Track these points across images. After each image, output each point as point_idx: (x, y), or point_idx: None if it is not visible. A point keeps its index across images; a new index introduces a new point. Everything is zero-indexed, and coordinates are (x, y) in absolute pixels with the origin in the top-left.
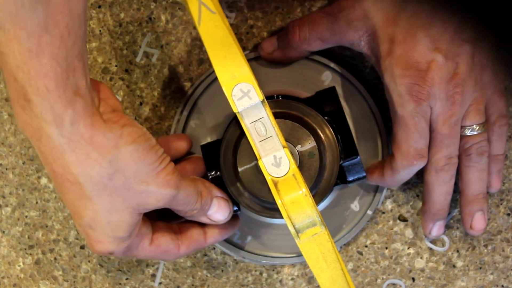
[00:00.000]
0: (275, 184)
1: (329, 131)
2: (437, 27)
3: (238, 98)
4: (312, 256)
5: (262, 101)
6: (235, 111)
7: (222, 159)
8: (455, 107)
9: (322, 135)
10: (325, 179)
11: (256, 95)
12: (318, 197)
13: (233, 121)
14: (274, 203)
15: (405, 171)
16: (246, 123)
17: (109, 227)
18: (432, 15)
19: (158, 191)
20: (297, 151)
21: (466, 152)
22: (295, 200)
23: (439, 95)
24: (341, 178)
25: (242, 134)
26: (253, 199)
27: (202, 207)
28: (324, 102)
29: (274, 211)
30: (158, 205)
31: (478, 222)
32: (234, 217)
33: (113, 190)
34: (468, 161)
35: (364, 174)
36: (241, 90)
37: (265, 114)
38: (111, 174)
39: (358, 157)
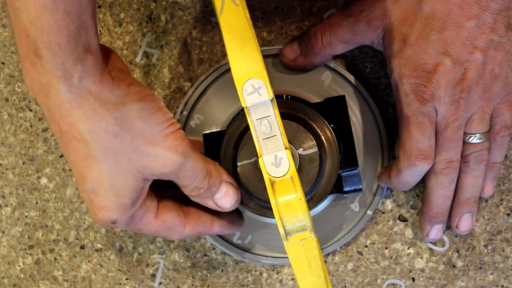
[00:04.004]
0: (272, 184)
1: (332, 139)
2: (450, 30)
3: (248, 93)
4: (297, 260)
5: (272, 100)
6: (243, 105)
7: (223, 150)
8: (459, 112)
9: (325, 142)
10: (321, 186)
11: (267, 93)
12: (312, 203)
13: (239, 115)
14: (268, 202)
15: (408, 172)
16: (252, 119)
17: (113, 191)
18: (447, 18)
19: (165, 154)
20: (298, 154)
21: (465, 158)
22: (289, 203)
23: (444, 98)
24: (338, 187)
25: (246, 129)
26: (247, 195)
27: (209, 188)
28: (332, 109)
29: (267, 209)
30: (164, 172)
31: (464, 223)
32: (240, 214)
33: (118, 149)
34: (465, 167)
35: (361, 186)
36: (253, 85)
37: (273, 112)
38: (117, 132)
39: (358, 169)
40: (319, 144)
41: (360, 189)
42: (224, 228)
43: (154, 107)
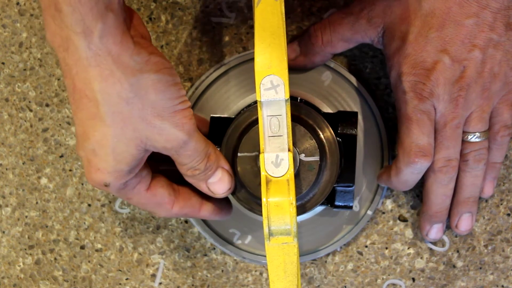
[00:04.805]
0: (267, 182)
1: (336, 152)
2: (449, 28)
3: (265, 88)
4: (275, 262)
5: (286, 100)
6: (257, 99)
7: (227, 137)
8: (458, 110)
9: (328, 153)
10: (314, 195)
11: (284, 92)
12: (300, 209)
13: (251, 106)
14: (258, 198)
15: (407, 170)
16: (263, 114)
17: (113, 155)
18: (446, 16)
19: (171, 130)
20: (299, 159)
21: (464, 157)
22: (279, 204)
23: (442, 96)
24: (329, 199)
25: (254, 122)
26: (240, 187)
27: (205, 170)
28: (342, 123)
29: (255, 205)
30: (165, 146)
31: (464, 223)
32: (229, 203)
33: (127, 116)
34: (464, 166)
35: (352, 204)
36: (272, 82)
37: (284, 113)
38: (130, 98)
39: (353, 187)
40: (322, 153)
41: (351, 207)
42: (211, 213)
43: (171, 81)
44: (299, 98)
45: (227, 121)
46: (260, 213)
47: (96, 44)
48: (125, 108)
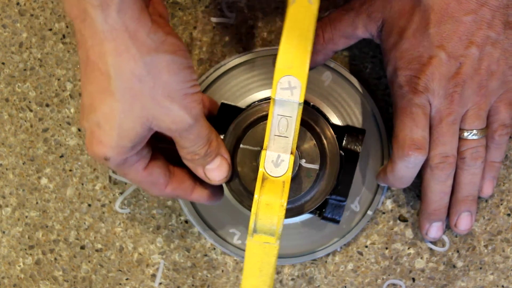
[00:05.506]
0: (263, 180)
1: (336, 165)
2: (447, 24)
3: (282, 87)
4: (252, 259)
5: (300, 104)
6: (272, 96)
7: (233, 126)
8: (453, 106)
9: (328, 164)
10: (306, 202)
11: (299, 96)
12: (289, 213)
13: (264, 100)
14: (250, 193)
15: (402, 163)
16: (274, 112)
17: (118, 130)
18: (444, 12)
19: (179, 112)
20: (299, 163)
21: (461, 155)
22: (270, 204)
23: (437, 91)
24: (319, 209)
25: (263, 117)
26: (235, 178)
27: (205, 156)
28: (348, 137)
29: (246, 198)
30: (170, 128)
31: (463, 222)
32: (221, 189)
33: (138, 93)
34: (462, 163)
35: (339, 219)
36: (289, 82)
37: (295, 115)
38: (143, 76)
39: (345, 202)
40: (322, 163)
41: (338, 222)
42: (202, 198)
43: (185, 64)
44: (311, 103)
45: (237, 110)
46: (249, 207)
47: (113, 18)
48: (136, 85)
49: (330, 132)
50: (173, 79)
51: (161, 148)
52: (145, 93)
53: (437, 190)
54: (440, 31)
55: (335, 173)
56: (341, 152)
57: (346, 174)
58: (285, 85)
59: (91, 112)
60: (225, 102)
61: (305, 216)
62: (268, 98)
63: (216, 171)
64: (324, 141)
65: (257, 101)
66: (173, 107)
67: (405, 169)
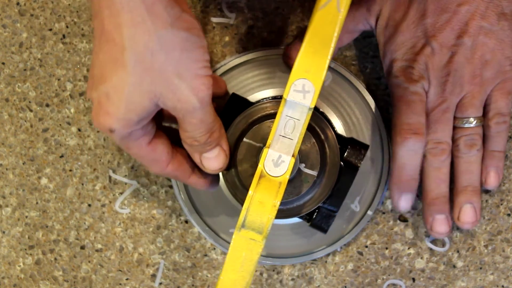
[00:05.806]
0: (260, 177)
1: (334, 175)
2: (441, 15)
3: (296, 89)
4: (235, 253)
5: (310, 109)
6: (284, 96)
7: (239, 119)
8: (445, 94)
9: (326, 173)
10: (298, 206)
11: (310, 100)
12: (280, 214)
13: (274, 100)
14: (244, 188)
15: (401, 150)
16: (283, 112)
17: (125, 102)
18: (438, 3)
19: (186, 91)
20: (299, 167)
21: (455, 142)
22: (263, 202)
23: (431, 80)
24: (309, 215)
25: (270, 115)
26: (232, 170)
27: (204, 144)
28: (351, 150)
29: (239, 192)
30: (175, 106)
31: (465, 215)
32: (218, 177)
33: (148, 67)
34: (456, 151)
35: (327, 229)
36: (303, 86)
37: (303, 119)
38: (156, 50)
39: (336, 213)
40: (321, 170)
41: (325, 231)
42: (198, 182)
43: (198, 43)
44: (321, 109)
45: (246, 103)
46: (241, 201)
47: None
48: (148, 58)
49: (334, 142)
50: (185, 56)
51: (165, 127)
52: (156, 68)
53: (433, 176)
54: (435, 22)
55: (331, 183)
56: (341, 163)
57: (342, 186)
58: (299, 88)
59: (101, 82)
60: (236, 93)
61: None
62: (277, 97)
63: (212, 160)
64: (327, 149)
65: (268, 97)
66: (181, 86)
67: (406, 155)
